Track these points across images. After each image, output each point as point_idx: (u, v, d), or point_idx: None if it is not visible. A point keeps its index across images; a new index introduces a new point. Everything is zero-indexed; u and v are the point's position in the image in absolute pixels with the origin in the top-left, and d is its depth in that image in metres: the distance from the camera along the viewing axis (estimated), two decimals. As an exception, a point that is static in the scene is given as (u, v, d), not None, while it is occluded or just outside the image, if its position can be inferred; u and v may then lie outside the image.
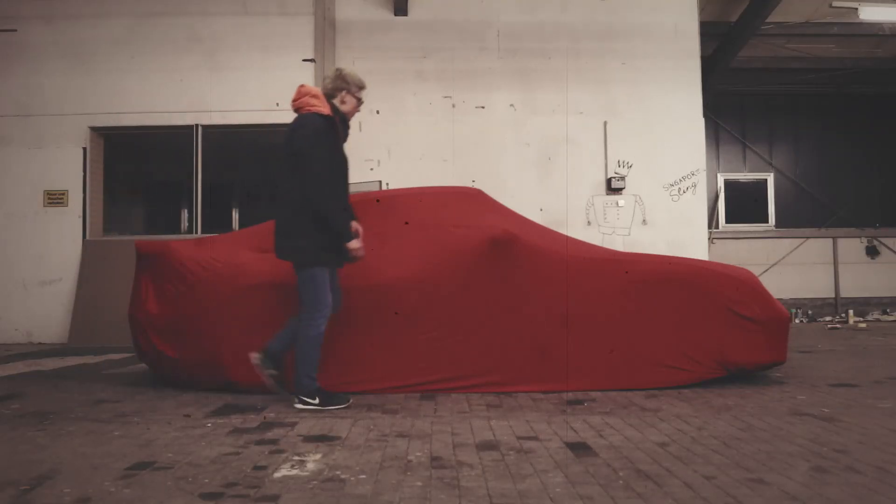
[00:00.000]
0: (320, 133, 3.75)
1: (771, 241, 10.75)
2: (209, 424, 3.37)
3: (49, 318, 8.05)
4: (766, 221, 11.01)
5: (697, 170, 8.76)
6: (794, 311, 10.40)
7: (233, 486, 2.35)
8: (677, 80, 8.86)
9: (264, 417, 3.54)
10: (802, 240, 10.73)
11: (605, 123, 8.75)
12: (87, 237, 8.23)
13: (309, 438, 3.07)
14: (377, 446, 2.91)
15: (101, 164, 8.57)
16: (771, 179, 11.10)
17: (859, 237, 10.83)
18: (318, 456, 2.76)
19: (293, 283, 3.87)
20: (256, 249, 4.48)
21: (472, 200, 4.91)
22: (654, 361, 4.29)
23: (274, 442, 3.00)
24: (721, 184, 10.99)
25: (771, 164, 11.16)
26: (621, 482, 2.38)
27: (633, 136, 8.74)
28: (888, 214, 11.09)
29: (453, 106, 8.71)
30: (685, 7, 8.97)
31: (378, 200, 4.73)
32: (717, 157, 11.04)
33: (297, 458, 2.73)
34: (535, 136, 8.71)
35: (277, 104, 8.00)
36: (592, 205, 8.71)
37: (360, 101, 4.01)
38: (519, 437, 3.06)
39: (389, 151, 8.58)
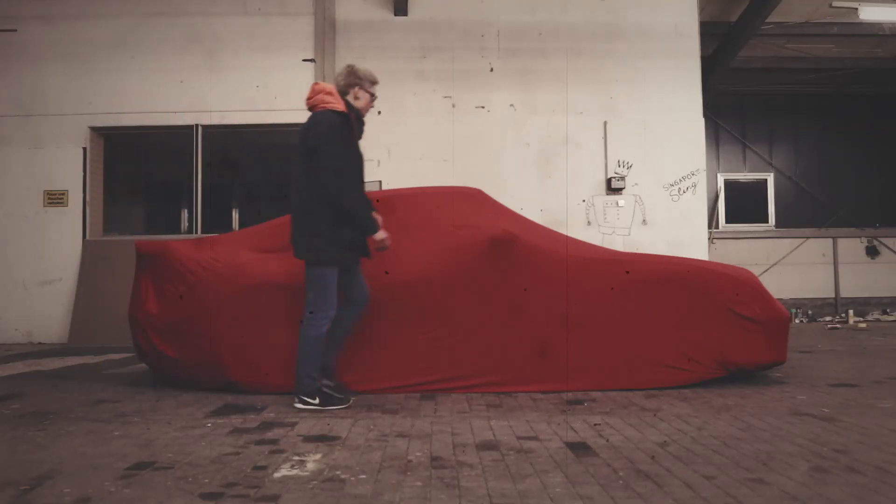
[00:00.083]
0: (335, 129, 3.73)
1: (771, 241, 10.74)
2: (209, 424, 3.37)
3: (49, 318, 8.06)
4: (766, 221, 11.01)
5: (697, 170, 8.75)
6: (794, 311, 10.40)
7: (233, 486, 2.35)
8: (677, 80, 8.85)
9: (264, 418, 3.54)
10: (802, 240, 10.72)
11: (605, 123, 8.75)
12: (87, 237, 8.23)
13: (309, 438, 3.07)
14: (377, 446, 2.91)
15: (101, 164, 8.57)
16: (771, 179, 11.10)
17: (859, 237, 10.83)
18: (318, 456, 2.76)
19: (293, 283, 3.87)
20: (256, 249, 4.48)
21: (472, 200, 4.91)
22: (654, 361, 4.30)
23: (274, 442, 3.00)
24: (721, 184, 10.98)
25: (771, 164, 11.16)
26: (621, 482, 2.38)
27: (633, 136, 8.73)
28: (888, 214, 11.08)
29: (453, 106, 8.71)
30: (685, 7, 8.96)
31: (378, 200, 4.72)
32: (717, 157, 11.03)
33: (297, 458, 2.73)
34: (535, 136, 8.71)
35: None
36: (592, 205, 8.70)
37: (373, 97, 4.00)
38: (519, 437, 3.06)
39: (389, 151, 8.57)
